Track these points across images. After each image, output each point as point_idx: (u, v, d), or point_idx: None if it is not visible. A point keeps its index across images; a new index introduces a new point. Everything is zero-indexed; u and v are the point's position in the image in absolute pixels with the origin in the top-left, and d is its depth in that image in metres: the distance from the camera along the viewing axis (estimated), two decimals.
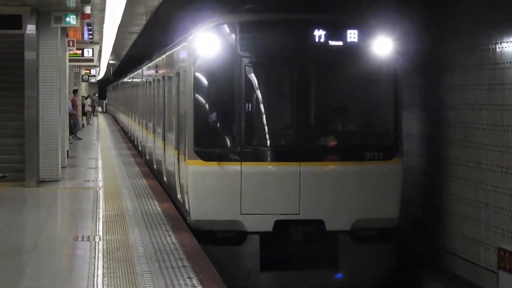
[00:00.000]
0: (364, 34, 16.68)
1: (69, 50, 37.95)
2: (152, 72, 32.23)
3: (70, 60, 42.01)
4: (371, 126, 17.91)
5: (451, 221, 18.69)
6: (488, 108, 16.67)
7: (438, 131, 19.53)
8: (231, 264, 15.27)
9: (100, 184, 28.88)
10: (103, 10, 33.61)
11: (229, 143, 16.66)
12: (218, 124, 17.18)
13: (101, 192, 26.27)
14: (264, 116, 16.95)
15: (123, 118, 62.76)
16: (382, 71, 17.25)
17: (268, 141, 16.95)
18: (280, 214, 16.05)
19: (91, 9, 31.94)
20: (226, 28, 16.47)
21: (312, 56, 16.66)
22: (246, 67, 16.31)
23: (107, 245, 17.28)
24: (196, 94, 16.57)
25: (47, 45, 28.99)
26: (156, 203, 23.61)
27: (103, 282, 13.82)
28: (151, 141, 32.11)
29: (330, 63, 17.16)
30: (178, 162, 19.87)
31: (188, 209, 16.74)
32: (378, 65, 17.06)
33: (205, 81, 16.76)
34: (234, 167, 16.10)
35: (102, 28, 41.89)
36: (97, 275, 14.39)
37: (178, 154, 19.90)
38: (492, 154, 16.61)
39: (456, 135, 18.48)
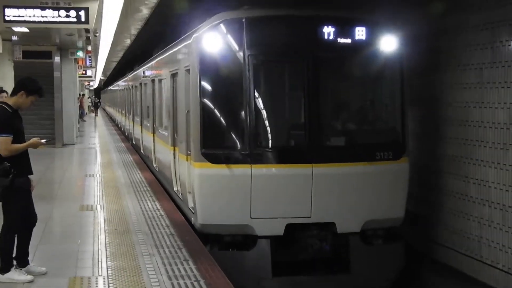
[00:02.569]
0: (372, 31, 10.82)
1: (78, 71, 37.56)
2: (139, 77, 23.80)
3: (79, 77, 41.86)
4: (380, 125, 11.77)
5: None
6: None
7: None
8: (241, 270, 10.06)
9: (98, 146, 28.70)
10: (97, 48, 33.90)
11: (238, 145, 10.54)
12: (226, 125, 10.87)
13: (98, 150, 26.24)
14: (274, 116, 11.04)
15: (112, 111, 58.40)
16: (390, 69, 11.25)
17: (279, 143, 10.92)
18: (291, 218, 10.40)
19: (91, 48, 32.20)
20: (232, 25, 10.60)
21: (321, 54, 10.70)
22: (254, 65, 10.52)
23: (103, 178, 17.24)
24: (202, 93, 10.65)
25: (67, 68, 28.96)
26: (131, 156, 23.25)
27: (103, 197, 14.06)
28: (138, 132, 23.80)
29: (339, 61, 11.18)
30: (174, 157, 13.58)
31: (193, 211, 11.05)
32: (386, 63, 11.13)
33: (211, 80, 10.74)
34: (243, 169, 10.30)
35: (97, 58, 42.02)
36: (99, 195, 14.54)
37: (174, 150, 13.61)
38: None
39: None
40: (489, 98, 10.53)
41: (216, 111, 10.78)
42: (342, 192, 10.45)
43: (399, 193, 10.78)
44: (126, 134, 32.64)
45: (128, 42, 28.11)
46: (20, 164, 7.79)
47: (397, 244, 10.90)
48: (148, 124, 19.62)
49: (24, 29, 18.84)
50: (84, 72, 45.49)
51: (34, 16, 14.82)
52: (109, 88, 69.11)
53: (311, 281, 10.39)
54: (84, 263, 8.84)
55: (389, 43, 10.79)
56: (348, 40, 10.65)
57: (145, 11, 16.77)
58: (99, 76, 72.04)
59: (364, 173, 10.51)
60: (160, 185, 16.12)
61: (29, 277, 7.94)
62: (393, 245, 10.86)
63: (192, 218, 11.11)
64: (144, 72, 22.21)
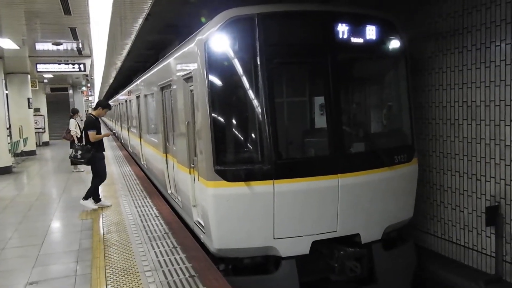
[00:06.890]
0: (389, 30, 5.47)
1: (84, 97, 36.08)
2: (124, 98, 17.07)
3: (84, 101, 40.01)
4: (394, 127, 6.08)
5: None
6: None
7: None
8: None
9: None
10: (93, 84, 32.43)
11: (257, 158, 4.71)
12: (242, 137, 4.94)
13: None
14: (295, 125, 5.63)
15: (106, 120, 53.56)
16: (401, 70, 5.80)
17: (302, 154, 5.29)
18: (317, 234, 5.03)
19: (90, 84, 30.82)
20: (243, 23, 4.67)
21: (342, 54, 5.09)
22: (270, 68, 4.73)
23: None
24: (211, 103, 4.73)
25: (77, 96, 27.72)
26: (115, 144, 21.61)
27: None
28: (126, 135, 17.23)
29: (360, 62, 5.60)
30: (167, 164, 7.83)
31: (203, 230, 5.34)
32: (399, 65, 5.77)
33: (222, 87, 4.83)
34: (265, 186, 4.68)
35: (94, 90, 40.29)
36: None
37: (167, 157, 7.84)
38: None
39: None
40: None
41: (229, 122, 5.13)
42: (367, 200, 5.41)
43: (412, 193, 5.94)
44: (116, 135, 26.49)
45: (111, 80, 26.99)
46: (99, 146, 7.83)
47: (409, 243, 6.05)
48: (135, 131, 13.37)
49: (50, 76, 18.22)
50: (87, 98, 43.52)
51: (55, 68, 14.57)
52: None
53: None
54: None
55: (401, 44, 5.75)
56: (367, 39, 5.39)
57: (118, 63, 16.29)
58: (96, 99, 69.01)
59: (387, 178, 5.52)
60: (143, 172, 11.44)
61: (109, 203, 7.99)
62: (407, 245, 6.01)
63: (202, 236, 5.60)
64: (128, 93, 15.85)
